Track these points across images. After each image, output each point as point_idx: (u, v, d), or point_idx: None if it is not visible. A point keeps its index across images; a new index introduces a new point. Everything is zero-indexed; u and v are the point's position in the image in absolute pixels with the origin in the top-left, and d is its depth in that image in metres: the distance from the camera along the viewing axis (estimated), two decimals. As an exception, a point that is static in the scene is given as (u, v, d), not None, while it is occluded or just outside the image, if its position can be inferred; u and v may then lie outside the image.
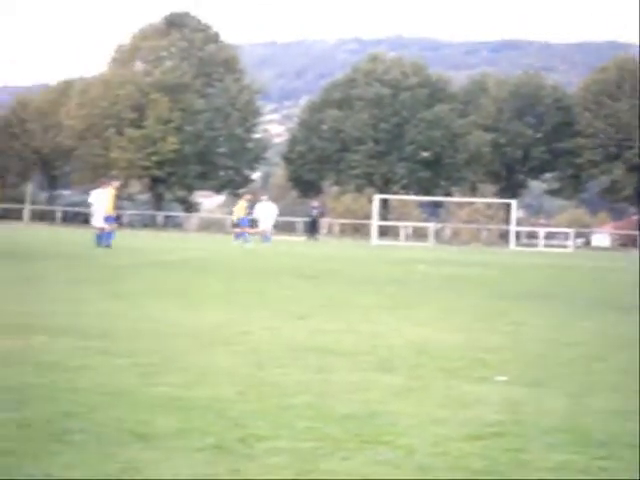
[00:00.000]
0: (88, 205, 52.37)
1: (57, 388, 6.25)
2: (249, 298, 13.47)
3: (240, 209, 39.39)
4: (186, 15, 75.09)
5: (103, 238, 28.92)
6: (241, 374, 7.06)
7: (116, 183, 31.80)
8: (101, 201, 30.29)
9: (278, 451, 4.70)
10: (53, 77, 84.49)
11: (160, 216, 67.56)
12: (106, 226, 29.60)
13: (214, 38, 74.70)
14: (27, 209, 68.29)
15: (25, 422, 5.25)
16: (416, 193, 76.43)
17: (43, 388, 6.25)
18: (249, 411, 5.75)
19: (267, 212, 40.79)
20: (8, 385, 6.29)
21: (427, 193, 74.65)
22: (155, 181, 71.87)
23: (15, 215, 65.41)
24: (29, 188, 72.15)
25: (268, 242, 38.11)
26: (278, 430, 5.16)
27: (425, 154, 76.40)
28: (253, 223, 41.09)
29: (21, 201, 68.90)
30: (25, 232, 43.55)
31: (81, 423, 5.26)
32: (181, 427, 5.24)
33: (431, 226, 66.41)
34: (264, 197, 44.44)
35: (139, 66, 74.60)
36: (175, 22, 74.10)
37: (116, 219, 39.81)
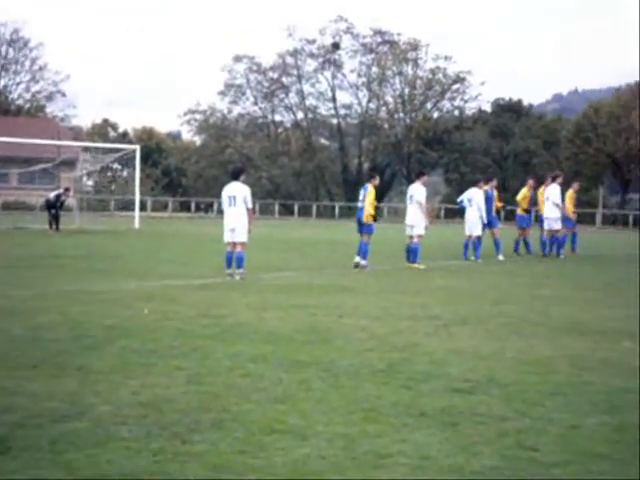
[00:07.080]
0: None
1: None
2: None
3: None
4: None
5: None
6: None
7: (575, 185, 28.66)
8: None
9: None
10: (625, 80, 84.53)
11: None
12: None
13: None
14: (599, 213, 68.77)
15: (620, 427, 5.67)
16: None
17: (634, 393, 6.63)
18: None
19: None
20: (597, 389, 6.79)
21: None
22: None
23: (587, 219, 66.34)
24: (601, 192, 72.48)
25: None
26: None
27: None
28: None
29: (593, 205, 69.61)
30: (596, 236, 43.85)
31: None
32: None
33: None
34: None
35: None
36: None
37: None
